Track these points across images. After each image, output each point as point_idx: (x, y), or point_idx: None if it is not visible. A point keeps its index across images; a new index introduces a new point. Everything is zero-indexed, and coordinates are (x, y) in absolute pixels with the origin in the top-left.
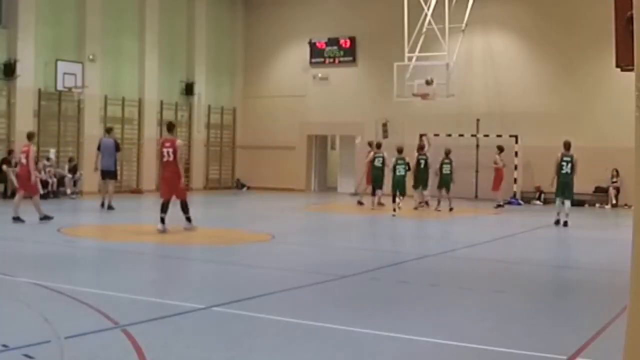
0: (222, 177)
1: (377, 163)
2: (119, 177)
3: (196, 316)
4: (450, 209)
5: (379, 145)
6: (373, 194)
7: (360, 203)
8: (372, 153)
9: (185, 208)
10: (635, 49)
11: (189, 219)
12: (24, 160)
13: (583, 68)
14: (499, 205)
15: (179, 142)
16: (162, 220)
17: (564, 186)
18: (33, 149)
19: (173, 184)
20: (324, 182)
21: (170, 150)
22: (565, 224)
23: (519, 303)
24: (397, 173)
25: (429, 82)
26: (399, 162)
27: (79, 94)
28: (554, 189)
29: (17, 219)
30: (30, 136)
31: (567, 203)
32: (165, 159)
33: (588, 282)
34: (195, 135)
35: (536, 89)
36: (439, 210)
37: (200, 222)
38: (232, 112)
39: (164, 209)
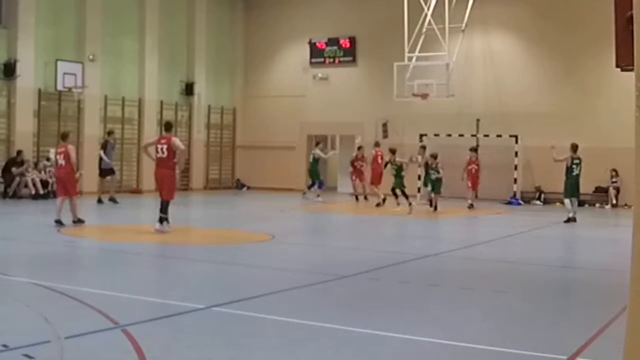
0: (222, 177)
1: (311, 159)
2: (118, 177)
3: (196, 316)
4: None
5: (317, 143)
6: (311, 187)
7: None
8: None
9: (164, 209)
10: (635, 49)
11: (161, 220)
12: (62, 162)
13: (583, 68)
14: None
15: (174, 139)
16: (166, 220)
17: (575, 187)
18: (71, 148)
19: (165, 182)
20: (324, 182)
21: (165, 146)
22: (575, 219)
23: (519, 303)
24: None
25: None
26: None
27: (79, 94)
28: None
29: (58, 222)
30: (64, 136)
31: (575, 202)
32: (159, 155)
33: (588, 282)
34: (195, 135)
35: (536, 89)
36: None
37: (200, 222)
38: (232, 112)
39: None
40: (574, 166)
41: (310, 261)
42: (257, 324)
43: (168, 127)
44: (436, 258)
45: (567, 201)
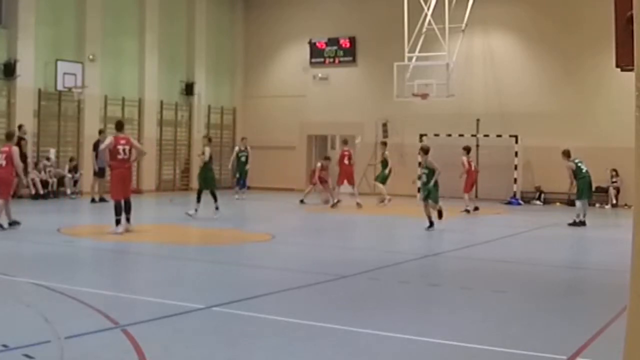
0: (222, 177)
1: (243, 159)
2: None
3: (196, 316)
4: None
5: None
6: (242, 187)
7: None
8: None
9: (129, 207)
10: (635, 49)
11: (128, 219)
12: (2, 162)
13: (583, 68)
14: (467, 210)
15: (132, 138)
16: (119, 222)
17: (590, 186)
18: (15, 150)
19: (128, 182)
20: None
21: (127, 147)
22: (584, 222)
23: (519, 303)
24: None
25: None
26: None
27: (79, 94)
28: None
29: (15, 223)
30: (9, 136)
31: (586, 203)
32: (121, 157)
33: (588, 282)
34: (195, 135)
35: (536, 89)
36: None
37: (200, 222)
38: (232, 112)
39: (120, 210)
40: (580, 164)
41: (311, 261)
42: (257, 324)
43: (121, 126)
44: (436, 258)
45: (578, 203)
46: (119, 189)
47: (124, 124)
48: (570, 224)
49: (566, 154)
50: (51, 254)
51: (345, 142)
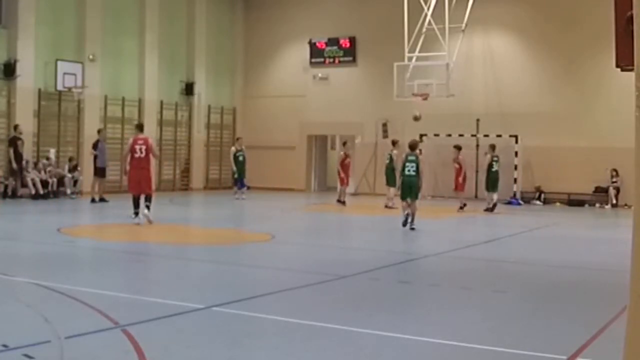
0: (222, 177)
1: (241, 158)
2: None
3: (196, 316)
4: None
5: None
6: (240, 187)
7: (342, 202)
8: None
9: (149, 200)
10: (635, 49)
11: (148, 207)
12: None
13: (583, 68)
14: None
15: (151, 140)
16: (137, 214)
17: (496, 182)
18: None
19: (144, 180)
20: (324, 182)
21: (144, 147)
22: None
23: (519, 303)
24: (406, 172)
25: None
26: (410, 159)
27: (79, 94)
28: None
29: None
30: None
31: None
32: (137, 155)
33: (588, 282)
34: (195, 135)
35: (536, 89)
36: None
37: (200, 222)
38: (232, 112)
39: (137, 204)
40: (495, 163)
41: (311, 261)
42: (257, 324)
43: (142, 128)
44: (436, 258)
45: (492, 194)
46: (134, 185)
47: (143, 125)
48: (485, 210)
49: (492, 147)
50: (51, 254)
51: (344, 144)
